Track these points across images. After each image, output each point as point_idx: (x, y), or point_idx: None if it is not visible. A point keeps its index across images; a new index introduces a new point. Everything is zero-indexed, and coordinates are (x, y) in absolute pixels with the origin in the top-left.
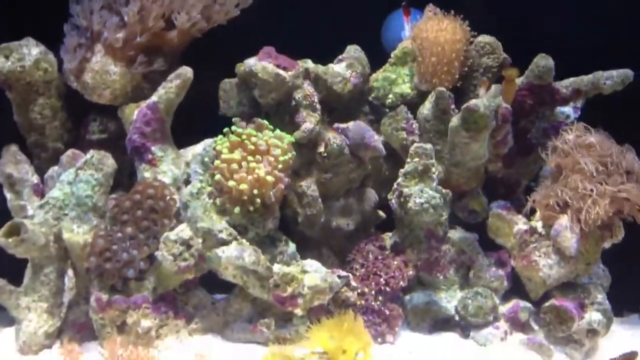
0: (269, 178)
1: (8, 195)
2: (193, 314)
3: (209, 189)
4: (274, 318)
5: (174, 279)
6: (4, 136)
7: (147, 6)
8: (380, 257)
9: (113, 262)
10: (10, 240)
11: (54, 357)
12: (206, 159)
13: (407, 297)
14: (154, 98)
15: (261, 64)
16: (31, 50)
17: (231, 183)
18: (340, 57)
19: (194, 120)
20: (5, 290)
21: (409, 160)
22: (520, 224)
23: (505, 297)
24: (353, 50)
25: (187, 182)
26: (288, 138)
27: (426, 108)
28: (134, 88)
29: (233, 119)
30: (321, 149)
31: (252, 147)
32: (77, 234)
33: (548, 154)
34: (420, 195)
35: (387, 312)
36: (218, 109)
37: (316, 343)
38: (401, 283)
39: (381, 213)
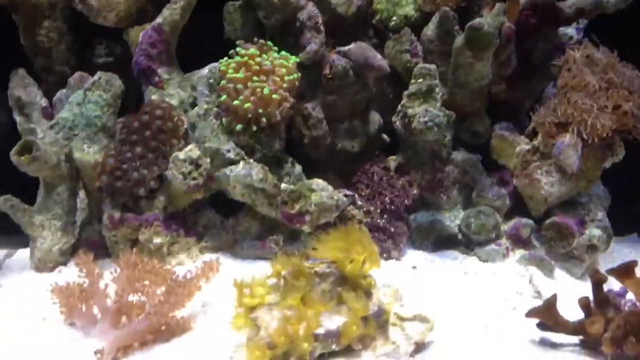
0: (275, 96)
1: (18, 118)
2: (202, 233)
3: (216, 110)
4: (282, 236)
5: (183, 198)
6: (11, 60)
7: None
8: (385, 177)
9: (124, 181)
10: (22, 158)
11: (69, 274)
12: (212, 81)
13: (412, 217)
14: (158, 20)
15: None
16: None
17: (236, 102)
18: None
19: (199, 46)
20: (20, 208)
21: (413, 81)
22: (523, 144)
23: (507, 217)
24: None
25: (193, 105)
26: (293, 58)
27: (430, 29)
28: (138, 10)
29: (237, 42)
30: (326, 70)
31: (257, 68)
32: (88, 153)
33: (554, 74)
34: (425, 114)
35: (392, 229)
36: (223, 33)
37: (324, 253)
38: (406, 201)
39: (385, 136)
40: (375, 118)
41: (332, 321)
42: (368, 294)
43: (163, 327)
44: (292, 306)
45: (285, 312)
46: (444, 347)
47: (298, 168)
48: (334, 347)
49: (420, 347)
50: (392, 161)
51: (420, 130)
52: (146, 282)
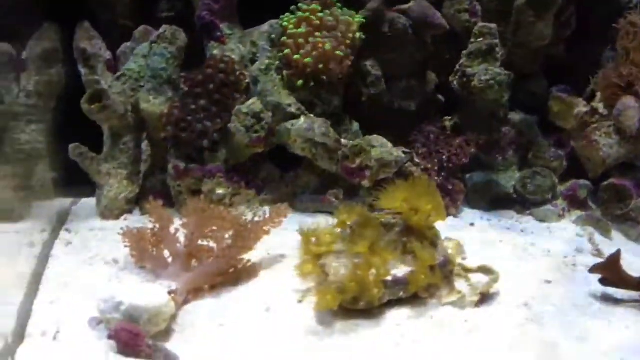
0: (338, 52)
1: (83, 70)
2: (262, 186)
3: (277, 64)
4: (342, 190)
5: (244, 151)
6: (76, 14)
7: None
8: (441, 136)
9: (188, 132)
10: (93, 106)
11: (134, 221)
12: (273, 36)
13: (467, 176)
14: None
15: None
16: None
17: (297, 57)
18: None
19: (258, 2)
20: (88, 156)
21: (472, 40)
22: (581, 106)
23: (564, 178)
24: None
25: (252, 60)
26: (357, 16)
27: None
28: None
29: None
30: (385, 28)
31: (318, 23)
32: (154, 104)
33: (612, 38)
34: (486, 72)
35: (450, 187)
36: None
37: (389, 204)
38: (463, 160)
39: (440, 97)
40: (432, 78)
41: (399, 270)
42: (433, 245)
43: (231, 270)
44: (360, 254)
45: (353, 260)
46: (508, 299)
47: (355, 125)
48: (401, 294)
49: (485, 298)
50: (448, 122)
51: (480, 89)
52: (214, 228)
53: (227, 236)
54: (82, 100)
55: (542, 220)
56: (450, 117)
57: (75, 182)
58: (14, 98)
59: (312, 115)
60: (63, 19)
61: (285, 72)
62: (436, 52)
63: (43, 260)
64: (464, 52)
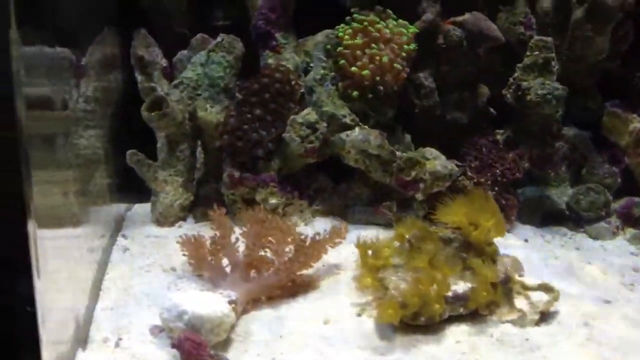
0: (395, 65)
1: (139, 77)
2: (314, 197)
3: (332, 75)
4: (395, 202)
5: (298, 161)
6: (133, 20)
7: None
8: (494, 150)
9: (244, 141)
10: (153, 113)
11: (188, 228)
12: (329, 47)
13: (519, 191)
14: None
15: None
16: None
17: (354, 69)
18: None
19: (311, 12)
20: (145, 163)
21: (528, 53)
22: (636, 122)
23: (618, 195)
24: None
25: (306, 70)
26: (412, 28)
27: (546, 1)
28: None
29: (352, 9)
30: (440, 40)
31: (376, 35)
32: (210, 113)
33: None
34: (542, 87)
35: (503, 201)
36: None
37: (448, 218)
38: (517, 175)
39: (492, 110)
40: (484, 90)
41: (459, 286)
42: (493, 261)
43: (290, 284)
44: (420, 268)
45: (413, 274)
46: (568, 318)
47: (407, 137)
48: (461, 310)
49: (545, 316)
50: (500, 135)
51: (536, 103)
52: (274, 239)
53: (287, 249)
54: (142, 107)
55: (595, 238)
56: (502, 131)
57: (127, 187)
58: (73, 103)
59: (366, 127)
60: (121, 26)
61: (340, 83)
62: (489, 64)
63: (102, 266)
64: (519, 65)
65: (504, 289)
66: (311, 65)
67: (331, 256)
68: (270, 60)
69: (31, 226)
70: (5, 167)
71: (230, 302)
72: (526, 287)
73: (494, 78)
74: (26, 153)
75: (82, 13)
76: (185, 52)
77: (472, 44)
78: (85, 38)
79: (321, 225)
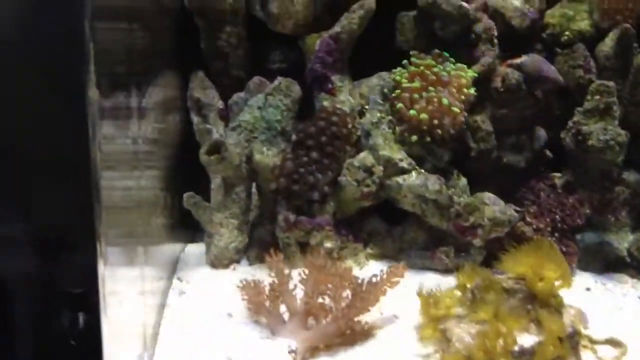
0: (453, 108)
1: (195, 118)
2: (368, 240)
3: (388, 118)
4: (452, 247)
5: (352, 204)
6: (190, 63)
7: None
8: (552, 195)
9: (300, 184)
10: (212, 157)
11: (243, 271)
12: (385, 90)
13: (578, 237)
14: (336, 28)
15: None
16: None
17: (412, 112)
18: None
19: (364, 54)
20: (202, 205)
21: (589, 97)
22: None
23: None
24: None
25: (361, 112)
26: (470, 71)
27: (606, 45)
28: (315, 18)
29: (411, 52)
30: (497, 83)
31: (433, 78)
32: (267, 156)
33: None
34: (605, 132)
35: (564, 248)
36: (388, 42)
37: (512, 268)
38: (577, 221)
39: (548, 153)
40: (541, 133)
41: (524, 339)
42: (559, 314)
43: (348, 331)
44: (485, 320)
45: (476, 326)
46: None
47: (463, 180)
48: None
49: None
50: (557, 178)
51: (598, 149)
52: (332, 285)
53: (344, 294)
54: (201, 151)
55: None
56: (560, 174)
57: (181, 227)
58: (133, 145)
59: (423, 171)
60: (179, 68)
61: (397, 127)
62: (546, 107)
63: (160, 309)
64: (579, 109)
65: (571, 343)
66: (366, 107)
67: (390, 304)
68: (325, 103)
69: (101, 265)
70: (79, 206)
71: (290, 352)
72: (593, 341)
73: (551, 120)
74: (99, 191)
75: (141, 55)
76: (241, 94)
77: (530, 87)
78: (145, 80)
79: (376, 268)
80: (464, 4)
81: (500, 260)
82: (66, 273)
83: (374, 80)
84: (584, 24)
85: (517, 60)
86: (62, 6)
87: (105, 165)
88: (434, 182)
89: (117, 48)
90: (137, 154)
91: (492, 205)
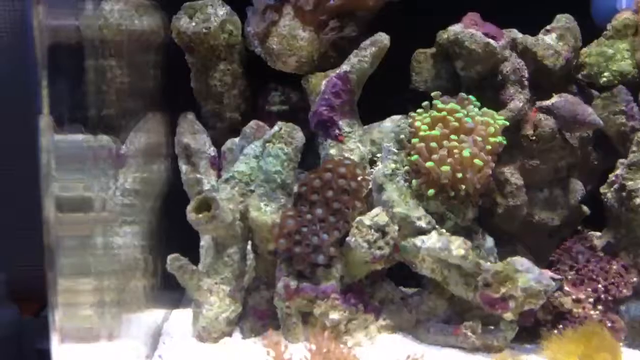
0: (477, 161)
1: (184, 167)
2: (380, 309)
3: (404, 169)
4: (479, 321)
5: (362, 268)
6: (178, 104)
7: None
8: (592, 259)
9: (303, 246)
10: (200, 215)
11: (234, 347)
12: (402, 137)
13: (623, 308)
14: (345, 67)
15: (469, 32)
16: (217, 10)
17: (429, 164)
18: (548, 27)
19: (376, 93)
20: (188, 270)
21: (634, 149)
22: None
23: None
24: (565, 20)
25: (371, 161)
26: (500, 119)
27: None
28: (320, 56)
29: (432, 93)
30: (529, 131)
31: (456, 125)
32: (265, 213)
33: None
34: None
35: (609, 323)
36: (402, 81)
37: (562, 357)
38: (624, 291)
39: (585, 208)
40: (577, 187)
41: None
42: None
43: None
44: None
45: None
46: None
47: (489, 241)
48: None
49: None
50: (597, 239)
51: None
52: None
53: None
54: (188, 208)
55: None
56: (599, 233)
57: (165, 290)
58: (109, 197)
59: (444, 231)
60: (166, 110)
61: (414, 180)
62: (583, 156)
63: None
64: (622, 161)
65: None
66: (377, 155)
67: None
68: (332, 151)
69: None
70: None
71: None
72: None
73: (589, 172)
74: (52, 255)
75: (122, 96)
76: (236, 140)
77: (564, 133)
78: (126, 123)
79: (389, 342)
80: (491, 41)
81: (548, 346)
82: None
83: (388, 124)
84: (625, 64)
85: (549, 102)
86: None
87: (71, 221)
88: (458, 246)
89: (94, 87)
90: (114, 207)
91: (526, 273)
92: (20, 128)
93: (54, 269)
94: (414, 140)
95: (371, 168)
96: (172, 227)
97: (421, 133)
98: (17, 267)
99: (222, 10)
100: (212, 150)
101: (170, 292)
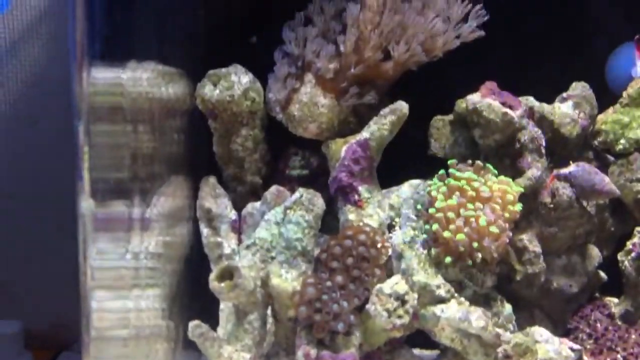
0: (492, 229)
1: (205, 230)
2: None
3: (423, 237)
4: None
5: (380, 335)
6: (201, 168)
7: (365, 35)
8: (611, 327)
9: (323, 314)
10: (223, 285)
11: None
12: (419, 206)
13: None
14: (365, 134)
15: (487, 101)
16: (240, 78)
17: (446, 234)
18: (564, 94)
19: (394, 158)
20: (209, 337)
21: None
22: None
23: None
24: (580, 88)
25: (390, 226)
26: (516, 186)
27: None
28: (340, 122)
29: (449, 162)
30: (547, 199)
31: (473, 194)
32: (286, 280)
33: None
34: None
35: None
36: (420, 147)
37: None
38: None
39: (602, 274)
40: (595, 253)
41: None
42: None
43: None
44: None
45: None
46: None
47: (508, 308)
48: None
49: None
50: (615, 305)
51: None
52: None
53: None
54: (210, 277)
55: None
56: (617, 300)
57: (184, 351)
58: (133, 260)
59: (463, 299)
60: (189, 174)
61: (433, 249)
62: (600, 223)
63: None
64: (639, 229)
65: None
66: (396, 220)
67: None
68: (351, 216)
69: None
70: None
71: None
72: None
73: (606, 238)
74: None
75: (147, 160)
76: (257, 204)
77: (582, 200)
78: (150, 187)
79: None
80: (509, 110)
81: None
82: None
83: (406, 190)
84: None
85: (566, 171)
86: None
87: (98, 284)
88: (478, 317)
89: (119, 152)
90: (138, 270)
91: (545, 344)
92: None
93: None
94: (431, 210)
95: (390, 233)
96: (193, 290)
97: (438, 204)
98: (31, 316)
99: (246, 79)
100: (233, 214)
101: (192, 352)
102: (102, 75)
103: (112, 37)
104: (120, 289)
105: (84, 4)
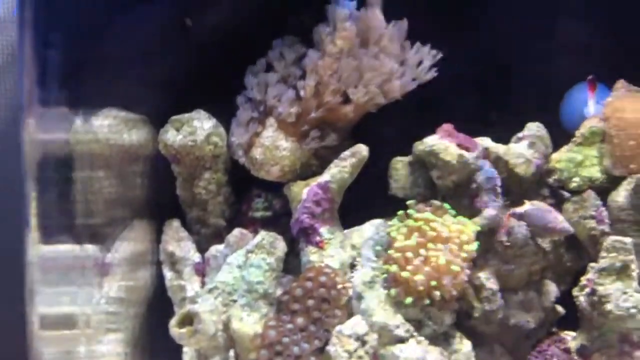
0: (452, 267)
1: (168, 273)
2: None
3: (383, 276)
4: None
5: None
6: (164, 212)
7: (325, 80)
8: None
9: (284, 357)
10: (183, 330)
11: None
12: (378, 247)
13: None
14: (326, 177)
15: (443, 144)
16: (203, 123)
17: (405, 274)
18: (520, 134)
19: (354, 198)
20: None
21: (604, 254)
22: None
23: None
24: (535, 128)
25: (352, 265)
26: (473, 226)
27: (621, 195)
28: (302, 165)
29: (408, 202)
30: (503, 237)
31: (432, 234)
32: (247, 324)
33: None
34: (626, 298)
35: None
36: (379, 186)
37: None
38: None
39: (560, 308)
40: (551, 288)
41: None
42: None
43: None
44: None
45: None
46: None
47: (467, 345)
48: None
49: None
50: (571, 339)
51: (618, 316)
52: None
53: None
54: (171, 323)
55: None
56: (574, 334)
57: None
58: (93, 305)
59: (422, 339)
60: (152, 218)
61: (392, 289)
62: (556, 259)
63: None
64: (592, 265)
65: None
66: (358, 259)
67: None
68: (313, 257)
69: None
70: None
71: None
72: None
73: (562, 273)
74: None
75: (109, 205)
76: (220, 247)
77: (537, 238)
78: (112, 232)
79: None
80: (465, 152)
81: None
82: None
83: (367, 230)
84: (594, 170)
85: (521, 209)
86: None
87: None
88: (435, 357)
89: (80, 198)
90: (98, 316)
91: None
92: None
93: None
94: (390, 251)
95: (351, 272)
96: (156, 333)
97: (397, 244)
98: None
99: (209, 124)
100: (196, 257)
101: None
102: (53, 124)
103: (63, 85)
104: (75, 334)
105: (33, 50)
